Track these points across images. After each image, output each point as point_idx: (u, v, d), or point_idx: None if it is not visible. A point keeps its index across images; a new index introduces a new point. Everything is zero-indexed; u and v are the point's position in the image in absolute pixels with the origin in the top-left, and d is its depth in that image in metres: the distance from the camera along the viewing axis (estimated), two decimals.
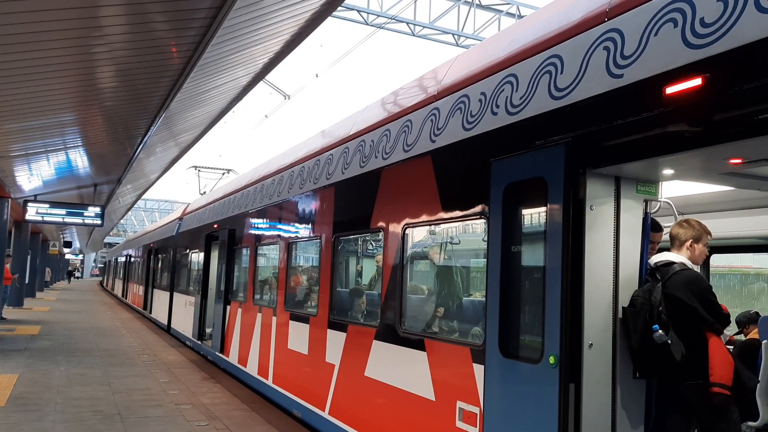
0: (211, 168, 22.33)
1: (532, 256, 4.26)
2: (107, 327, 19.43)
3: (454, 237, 5.67)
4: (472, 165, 4.83)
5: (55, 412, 7.89)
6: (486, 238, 4.60)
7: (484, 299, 4.60)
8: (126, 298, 33.52)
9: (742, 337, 6.64)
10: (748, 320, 6.58)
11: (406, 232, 5.71)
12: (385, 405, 5.75)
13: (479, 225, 4.98)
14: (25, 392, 8.99)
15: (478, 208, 4.72)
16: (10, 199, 18.33)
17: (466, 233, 5.47)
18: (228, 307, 11.74)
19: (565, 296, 3.80)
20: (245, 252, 10.92)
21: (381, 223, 6.13)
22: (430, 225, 5.56)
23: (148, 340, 16.56)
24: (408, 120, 5.99)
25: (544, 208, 4.05)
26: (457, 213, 5.04)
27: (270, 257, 10.00)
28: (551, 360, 3.82)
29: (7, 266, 19.85)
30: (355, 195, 6.84)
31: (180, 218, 19.18)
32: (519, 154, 4.30)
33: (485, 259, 4.61)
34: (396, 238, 5.81)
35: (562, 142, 3.92)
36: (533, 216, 4.32)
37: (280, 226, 9.20)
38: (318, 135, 9.06)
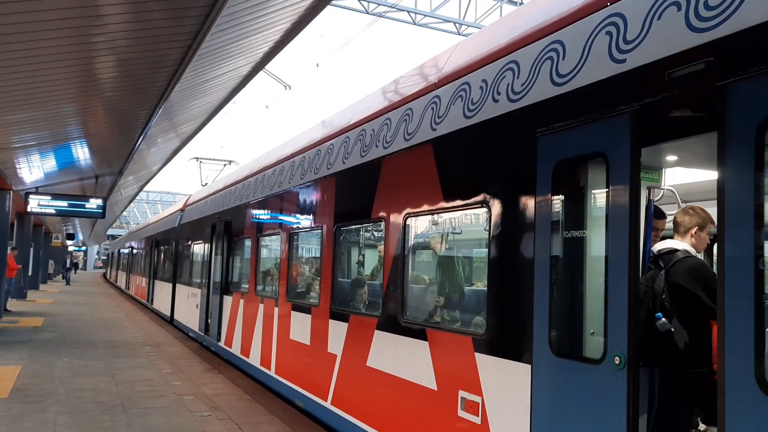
0: (213, 159, 22.35)
1: (590, 242, 3.82)
2: (110, 319, 19.47)
3: (456, 227, 5.64)
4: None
5: (58, 404, 7.90)
6: (494, 227, 4.55)
7: (485, 289, 4.57)
8: (129, 290, 33.60)
9: None
10: None
11: (407, 222, 5.68)
12: (388, 395, 5.74)
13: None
14: (28, 384, 9.00)
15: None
16: (11, 192, 18.31)
17: (482, 221, 5.39)
18: (230, 299, 11.75)
19: (632, 287, 3.39)
20: (247, 243, 10.91)
21: (382, 213, 6.09)
22: (432, 214, 5.52)
23: (150, 331, 16.59)
24: (409, 108, 5.94)
25: (604, 189, 3.61)
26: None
27: (272, 248, 9.98)
28: (616, 360, 3.42)
29: (11, 257, 19.87)
30: (355, 185, 6.80)
31: (182, 210, 19.18)
32: (573, 127, 3.84)
33: (487, 249, 4.57)
34: (397, 228, 5.78)
35: (627, 112, 3.49)
36: (591, 197, 3.88)
37: (281, 217, 9.18)
38: (319, 125, 9.02)
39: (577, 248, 3.89)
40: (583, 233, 3.85)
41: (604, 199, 3.59)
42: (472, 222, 5.43)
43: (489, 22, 19.65)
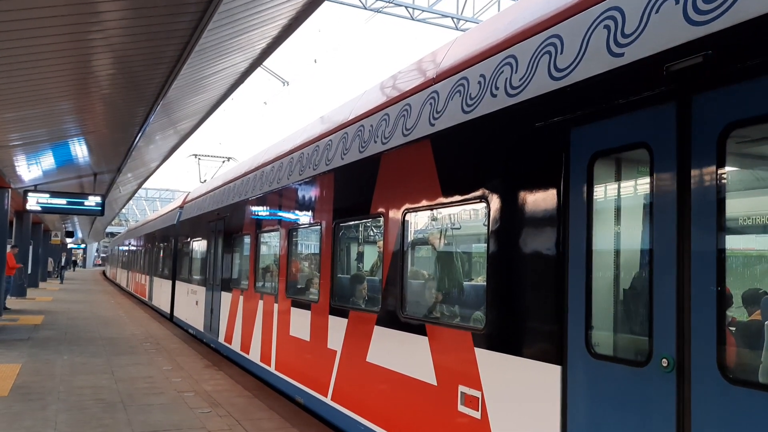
0: (211, 156, 22.33)
1: (632, 237, 3.67)
2: (110, 316, 19.48)
3: (455, 222, 5.63)
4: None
5: (58, 401, 7.90)
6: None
7: (485, 284, 4.56)
8: (128, 287, 33.61)
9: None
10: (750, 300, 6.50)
11: (407, 218, 5.67)
12: (388, 390, 5.74)
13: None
14: (28, 381, 9.01)
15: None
16: (10, 190, 18.30)
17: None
18: (230, 296, 11.75)
19: (681, 284, 3.18)
20: (246, 240, 10.90)
21: (381, 209, 6.09)
22: (430, 210, 5.51)
23: (150, 328, 16.59)
24: (407, 104, 5.93)
25: (647, 181, 3.42)
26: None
27: (271, 245, 9.98)
28: (664, 363, 3.21)
29: (11, 255, 19.86)
30: (354, 180, 6.79)
31: (181, 207, 19.16)
32: (611, 117, 3.61)
33: (485, 244, 4.55)
34: (397, 224, 5.77)
35: (672, 99, 3.28)
36: (633, 191, 3.72)
37: (280, 213, 9.17)
38: (317, 121, 9.01)
39: (617, 243, 3.74)
40: (625, 227, 3.71)
41: (649, 192, 3.39)
42: (473, 217, 5.42)
43: (487, 17, 19.63)
